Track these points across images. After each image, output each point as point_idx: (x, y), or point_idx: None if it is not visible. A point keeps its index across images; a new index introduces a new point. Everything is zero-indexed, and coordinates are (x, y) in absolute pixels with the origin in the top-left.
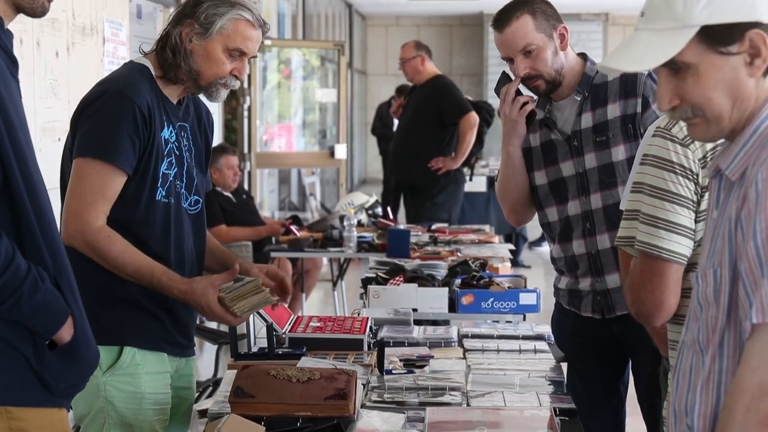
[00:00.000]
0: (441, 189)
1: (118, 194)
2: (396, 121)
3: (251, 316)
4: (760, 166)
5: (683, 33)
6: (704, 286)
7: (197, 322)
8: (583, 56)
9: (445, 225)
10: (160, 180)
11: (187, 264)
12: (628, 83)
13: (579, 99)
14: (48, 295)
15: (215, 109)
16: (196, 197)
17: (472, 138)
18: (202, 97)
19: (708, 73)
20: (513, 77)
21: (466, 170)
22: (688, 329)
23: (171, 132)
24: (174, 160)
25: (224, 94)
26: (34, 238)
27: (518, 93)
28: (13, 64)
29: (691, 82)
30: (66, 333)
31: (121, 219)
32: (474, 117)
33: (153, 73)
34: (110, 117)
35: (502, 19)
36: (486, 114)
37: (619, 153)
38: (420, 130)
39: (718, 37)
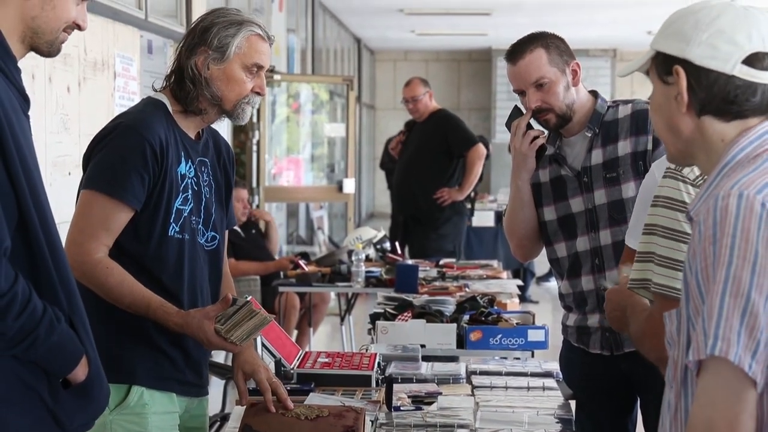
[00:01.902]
0: (445, 221)
1: (130, 229)
2: None
3: (261, 352)
4: (705, 207)
5: (647, 54)
6: (670, 325)
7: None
8: (594, 93)
9: (453, 260)
10: (174, 215)
11: (200, 300)
12: (640, 120)
13: (589, 135)
14: (63, 335)
15: None
16: (213, 233)
17: (479, 170)
18: (222, 130)
19: (654, 95)
20: (524, 111)
21: (467, 203)
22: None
23: (189, 167)
24: (191, 196)
25: (249, 112)
26: (50, 276)
27: (529, 127)
28: (25, 101)
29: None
30: (81, 372)
31: (135, 254)
32: (482, 149)
33: (170, 108)
34: (119, 151)
35: (516, 52)
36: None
37: (629, 190)
38: (425, 163)
39: (661, 64)
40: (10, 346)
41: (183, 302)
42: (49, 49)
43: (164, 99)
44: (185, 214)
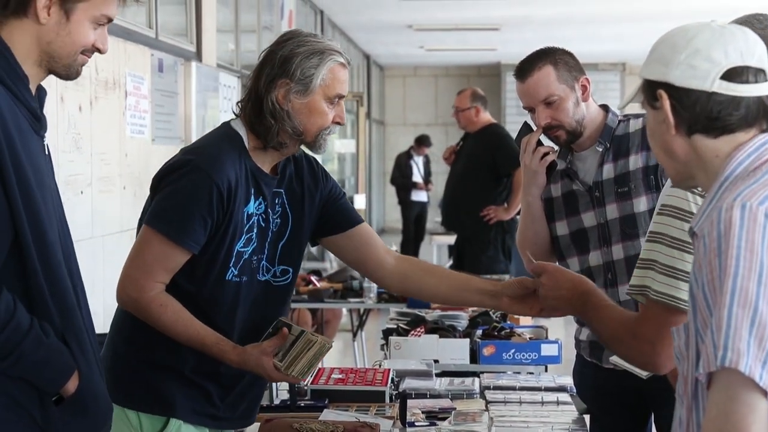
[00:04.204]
0: (487, 243)
1: (187, 268)
2: (416, 170)
3: None
4: (709, 221)
5: (638, 84)
6: (678, 340)
7: None
8: (605, 108)
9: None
10: (233, 259)
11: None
12: None
13: (600, 150)
14: (52, 350)
15: None
16: (283, 267)
17: None
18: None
19: (648, 121)
20: (534, 127)
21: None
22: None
23: (259, 204)
24: (255, 235)
25: (327, 142)
26: (41, 294)
27: (539, 143)
28: (38, 121)
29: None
30: (71, 386)
31: (189, 293)
32: None
33: (246, 142)
34: (185, 192)
35: (524, 70)
36: None
37: (641, 204)
38: (472, 179)
39: (647, 90)
40: None
41: (234, 342)
42: (67, 72)
43: (242, 131)
44: (245, 257)
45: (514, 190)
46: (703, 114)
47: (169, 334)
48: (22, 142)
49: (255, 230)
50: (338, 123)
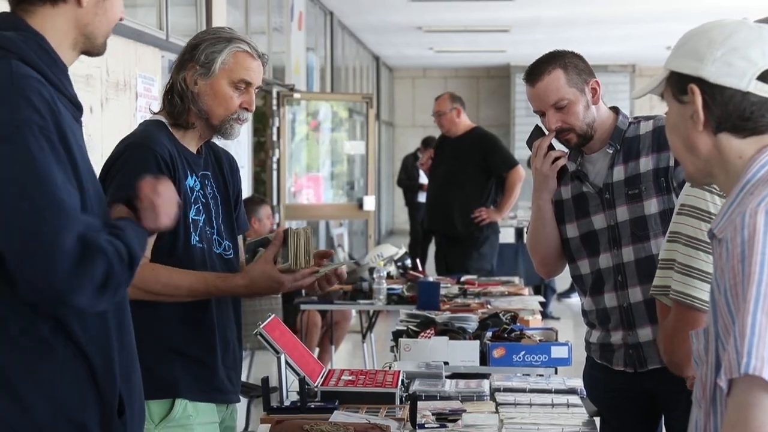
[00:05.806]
0: (484, 240)
1: (158, 241)
2: (422, 172)
3: (285, 370)
4: (732, 225)
5: (661, 75)
6: (697, 344)
7: None
8: (615, 110)
9: (474, 277)
10: (192, 225)
11: (226, 309)
12: (662, 137)
13: (611, 152)
14: (129, 236)
15: (246, 162)
16: (228, 242)
17: (518, 191)
18: (242, 148)
19: (670, 115)
20: (545, 130)
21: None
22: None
23: (195, 180)
24: (201, 207)
25: (238, 129)
26: None
27: (550, 147)
28: (77, 109)
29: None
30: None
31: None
32: (522, 170)
33: (168, 126)
34: (135, 169)
35: (534, 74)
36: None
37: (651, 206)
38: (462, 182)
39: (675, 84)
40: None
41: (211, 309)
42: (98, 50)
43: (162, 118)
44: (201, 224)
45: (506, 191)
46: (735, 113)
47: (170, 291)
48: (74, 137)
49: (200, 203)
50: (246, 109)
